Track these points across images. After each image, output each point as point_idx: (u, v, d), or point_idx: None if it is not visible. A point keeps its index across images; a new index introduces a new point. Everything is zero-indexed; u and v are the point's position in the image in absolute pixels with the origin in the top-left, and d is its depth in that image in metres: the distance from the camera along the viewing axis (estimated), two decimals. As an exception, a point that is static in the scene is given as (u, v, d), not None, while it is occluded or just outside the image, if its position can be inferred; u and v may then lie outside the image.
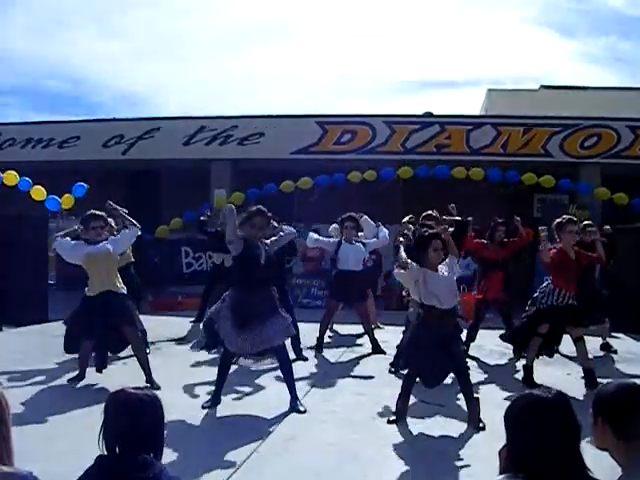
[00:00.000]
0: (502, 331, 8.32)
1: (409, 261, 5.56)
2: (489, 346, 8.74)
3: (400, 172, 13.47)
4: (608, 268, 8.68)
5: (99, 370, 6.64)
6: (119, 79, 58.12)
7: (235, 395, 6.23)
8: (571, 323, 6.78)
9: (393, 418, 5.51)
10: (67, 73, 56.67)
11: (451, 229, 6.36)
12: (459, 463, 4.61)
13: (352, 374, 7.36)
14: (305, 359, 7.87)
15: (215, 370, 5.98)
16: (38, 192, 11.05)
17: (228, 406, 5.86)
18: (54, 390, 6.36)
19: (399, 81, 58.78)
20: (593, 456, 2.10)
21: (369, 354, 8.41)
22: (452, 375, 5.77)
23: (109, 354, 6.91)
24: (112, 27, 53.81)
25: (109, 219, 6.90)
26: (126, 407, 2.28)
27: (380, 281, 13.01)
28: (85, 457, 2.32)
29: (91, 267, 6.44)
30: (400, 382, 5.70)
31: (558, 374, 7.28)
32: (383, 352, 8.31)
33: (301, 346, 8.00)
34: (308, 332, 8.33)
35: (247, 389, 6.44)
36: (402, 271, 5.67)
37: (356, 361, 8.08)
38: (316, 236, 8.71)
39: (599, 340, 8.80)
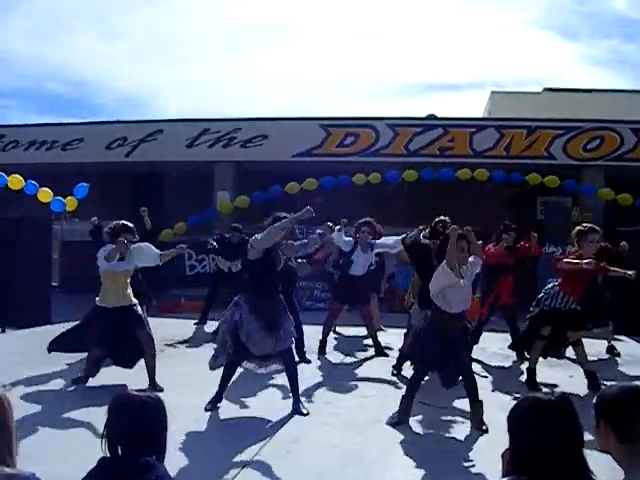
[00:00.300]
0: (505, 334, 8.30)
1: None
2: (492, 348, 8.73)
3: (405, 175, 13.46)
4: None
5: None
6: (120, 81, 58.33)
7: (238, 398, 6.22)
8: (573, 328, 6.77)
9: (396, 420, 5.51)
10: (68, 75, 56.92)
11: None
12: (462, 465, 4.61)
13: (355, 376, 7.35)
14: (308, 361, 7.87)
15: (219, 372, 5.98)
16: (45, 194, 11.05)
17: (231, 408, 5.86)
18: (56, 392, 6.37)
19: (402, 84, 58.87)
20: (596, 459, 2.10)
21: (372, 357, 8.41)
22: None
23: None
24: (112, 29, 54.01)
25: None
26: (129, 409, 2.28)
27: (383, 283, 12.98)
28: (88, 459, 2.32)
29: (108, 280, 6.49)
30: (403, 384, 5.70)
31: (561, 376, 7.27)
32: (386, 355, 8.31)
33: (304, 349, 8.00)
34: (311, 334, 8.33)
35: (250, 392, 6.42)
36: (447, 270, 5.45)
37: (359, 363, 8.08)
38: (344, 236, 8.41)
39: (604, 343, 8.79)
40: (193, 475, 4.16)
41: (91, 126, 15.81)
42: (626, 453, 1.98)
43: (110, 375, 6.70)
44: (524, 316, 7.35)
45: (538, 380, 6.76)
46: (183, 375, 7.03)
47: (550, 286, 7.01)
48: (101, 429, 2.29)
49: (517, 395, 6.15)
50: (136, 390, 2.37)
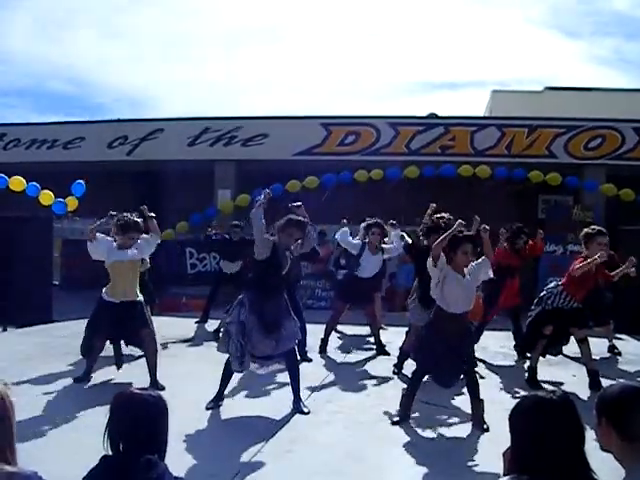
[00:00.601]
0: (507, 332, 8.28)
1: (442, 255, 5.36)
2: (493, 347, 8.74)
3: (407, 172, 13.47)
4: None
5: (119, 366, 6.77)
6: (121, 80, 58.36)
7: (239, 396, 6.23)
8: (574, 325, 6.77)
9: (397, 419, 5.51)
10: (70, 74, 56.98)
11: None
12: (463, 464, 4.60)
13: (356, 375, 7.35)
14: (310, 360, 7.87)
15: (219, 371, 5.98)
16: (46, 196, 11.03)
17: (232, 407, 5.86)
18: (58, 390, 6.36)
19: (403, 82, 58.87)
20: (597, 457, 2.10)
21: (373, 355, 8.41)
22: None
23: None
24: (114, 28, 54.02)
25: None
26: (130, 407, 2.29)
27: (384, 282, 12.98)
28: (89, 457, 2.32)
29: (116, 272, 6.47)
30: (403, 383, 5.69)
31: (562, 375, 7.27)
32: (387, 353, 8.31)
33: (306, 348, 7.99)
34: (312, 333, 8.32)
35: (251, 390, 6.43)
36: (432, 264, 5.41)
37: (360, 362, 8.08)
38: (348, 236, 8.40)
39: (605, 342, 8.79)
40: (194, 473, 4.16)
41: (92, 125, 15.81)
42: (627, 451, 1.98)
43: (112, 374, 6.71)
44: (525, 314, 7.36)
45: (540, 379, 6.76)
46: (184, 374, 7.04)
47: (553, 285, 6.98)
48: (103, 428, 2.30)
49: (518, 394, 6.16)
50: (138, 389, 2.38)
